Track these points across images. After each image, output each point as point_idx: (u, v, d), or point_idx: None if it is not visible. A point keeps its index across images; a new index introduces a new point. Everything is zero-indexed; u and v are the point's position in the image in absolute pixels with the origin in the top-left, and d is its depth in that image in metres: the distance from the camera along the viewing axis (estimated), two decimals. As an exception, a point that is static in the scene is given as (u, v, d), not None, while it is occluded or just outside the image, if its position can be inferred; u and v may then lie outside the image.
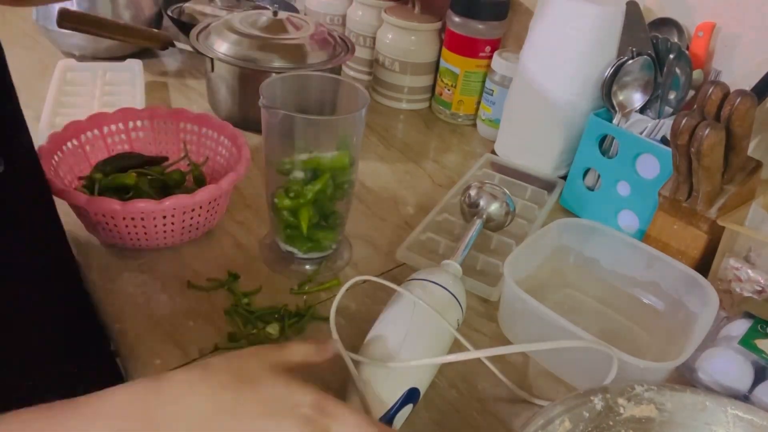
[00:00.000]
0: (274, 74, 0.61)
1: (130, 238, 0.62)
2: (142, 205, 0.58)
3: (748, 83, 0.68)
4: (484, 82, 0.95)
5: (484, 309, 0.63)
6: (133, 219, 0.60)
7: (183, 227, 0.63)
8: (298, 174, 0.59)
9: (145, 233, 0.62)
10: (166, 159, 0.73)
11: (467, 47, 0.93)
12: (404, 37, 0.98)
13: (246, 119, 0.77)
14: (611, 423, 0.48)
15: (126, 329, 0.56)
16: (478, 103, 0.97)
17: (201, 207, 0.63)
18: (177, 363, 0.53)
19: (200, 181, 0.71)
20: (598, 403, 0.47)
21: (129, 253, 0.64)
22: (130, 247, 0.64)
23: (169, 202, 0.59)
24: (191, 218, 0.63)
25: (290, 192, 0.60)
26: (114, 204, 0.58)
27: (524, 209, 0.78)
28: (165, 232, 0.62)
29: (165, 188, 0.68)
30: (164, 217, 0.61)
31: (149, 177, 0.68)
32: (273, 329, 0.57)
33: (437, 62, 1.00)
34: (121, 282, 0.61)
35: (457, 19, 0.92)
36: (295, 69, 0.84)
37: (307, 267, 0.65)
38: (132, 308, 0.58)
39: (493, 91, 0.93)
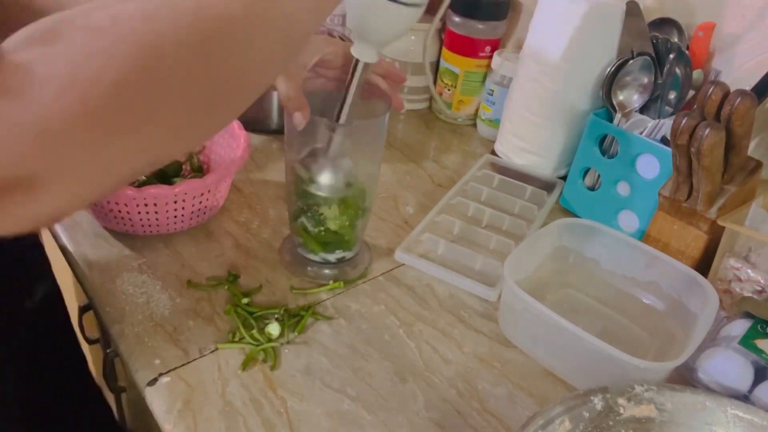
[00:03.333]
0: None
1: (141, 225, 0.63)
2: (156, 190, 0.60)
3: (748, 83, 0.68)
4: (484, 82, 0.95)
5: (484, 309, 0.64)
6: (146, 205, 0.61)
7: (192, 212, 0.65)
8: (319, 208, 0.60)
9: (157, 219, 0.63)
10: None
11: (467, 47, 0.93)
12: (404, 37, 0.98)
13: (246, 120, 0.76)
14: (611, 423, 0.48)
15: (126, 329, 0.56)
16: (478, 103, 0.97)
17: (209, 191, 0.64)
18: (177, 363, 0.53)
19: (198, 169, 0.72)
20: (598, 403, 0.47)
21: (129, 253, 0.64)
22: (140, 235, 0.65)
23: (181, 186, 0.61)
24: (200, 202, 0.65)
25: (311, 221, 0.61)
26: (128, 190, 0.59)
27: (524, 209, 0.78)
28: (176, 217, 0.64)
29: (163, 177, 0.69)
30: (175, 201, 0.62)
31: None
32: (273, 329, 0.57)
33: (437, 62, 1.00)
34: (121, 282, 0.61)
35: (457, 19, 0.92)
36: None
37: (327, 271, 0.65)
38: (132, 308, 0.58)
39: (493, 91, 0.93)
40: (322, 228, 0.61)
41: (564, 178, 0.83)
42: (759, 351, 0.53)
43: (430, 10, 0.99)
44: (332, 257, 0.64)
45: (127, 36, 0.28)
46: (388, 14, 0.47)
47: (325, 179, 0.59)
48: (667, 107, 0.75)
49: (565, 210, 0.81)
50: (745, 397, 0.52)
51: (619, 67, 0.74)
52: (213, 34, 0.30)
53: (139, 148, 0.30)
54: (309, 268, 0.65)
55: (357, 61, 0.52)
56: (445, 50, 0.96)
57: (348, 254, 0.65)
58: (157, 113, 0.30)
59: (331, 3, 0.38)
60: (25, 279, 0.63)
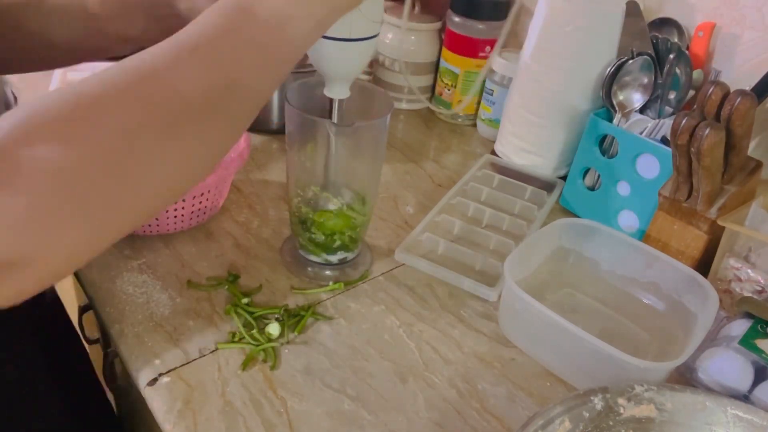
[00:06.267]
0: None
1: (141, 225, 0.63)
2: None
3: (748, 83, 0.68)
4: (484, 82, 0.95)
5: (484, 309, 0.64)
6: None
7: (192, 212, 0.65)
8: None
9: (157, 219, 0.63)
10: None
11: (467, 47, 0.93)
12: (404, 37, 0.98)
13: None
14: (611, 423, 0.48)
15: (126, 329, 0.56)
16: (478, 103, 0.97)
17: (210, 191, 0.64)
18: (177, 363, 0.53)
19: None
20: (598, 403, 0.47)
21: (129, 253, 0.64)
22: (140, 235, 0.65)
23: None
24: (200, 202, 0.65)
25: (313, 228, 0.62)
26: None
27: (524, 209, 0.78)
28: (176, 217, 0.64)
29: None
30: (176, 201, 0.62)
31: None
32: (273, 329, 0.57)
33: (437, 62, 1.00)
34: (121, 282, 0.61)
35: (457, 19, 0.92)
36: (295, 69, 0.84)
37: (328, 272, 0.65)
38: (132, 308, 0.58)
39: (493, 91, 0.93)
40: (323, 233, 0.61)
41: (564, 178, 0.83)
42: (759, 351, 0.53)
43: (433, 11, 1.00)
44: (334, 258, 0.64)
45: (104, 123, 0.30)
46: (344, 53, 0.49)
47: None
48: (667, 107, 0.75)
49: (565, 210, 0.81)
50: (745, 397, 0.52)
51: (619, 67, 0.74)
52: (177, 119, 0.33)
53: (118, 219, 0.33)
54: (309, 269, 0.65)
55: (332, 99, 0.54)
56: (445, 50, 0.96)
57: (350, 255, 0.65)
58: (135, 186, 0.32)
59: (286, 68, 0.40)
60: None
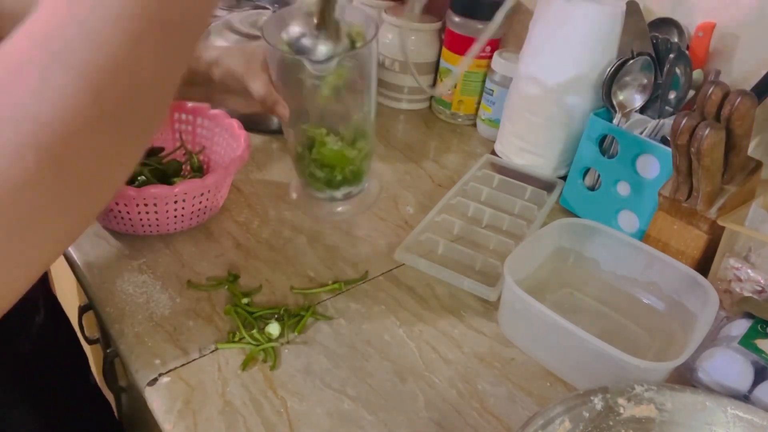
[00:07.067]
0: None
1: (141, 224, 0.63)
2: (156, 190, 0.60)
3: (748, 83, 0.68)
4: (484, 82, 0.95)
5: (484, 309, 0.64)
6: (146, 205, 0.61)
7: (192, 212, 0.65)
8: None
9: (157, 219, 0.63)
10: (162, 149, 0.73)
11: (467, 47, 0.93)
12: (404, 37, 0.97)
13: (246, 120, 0.77)
14: (611, 423, 0.48)
15: (126, 329, 0.56)
16: (478, 103, 0.97)
17: (210, 191, 0.64)
18: (177, 363, 0.53)
19: (198, 169, 0.72)
20: (598, 403, 0.47)
21: (129, 253, 0.64)
22: (140, 235, 0.65)
23: (181, 186, 0.61)
24: (200, 202, 0.65)
25: (312, 166, 0.60)
26: (129, 190, 0.59)
27: (524, 209, 0.78)
28: (176, 217, 0.64)
29: (164, 177, 0.69)
30: (176, 201, 0.62)
31: (148, 167, 0.69)
32: (273, 329, 0.57)
33: (437, 62, 1.00)
34: (121, 282, 0.61)
35: (457, 19, 0.92)
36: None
37: (340, 209, 0.63)
38: (132, 308, 0.58)
39: (493, 91, 0.93)
40: (323, 171, 0.60)
41: (564, 178, 0.83)
42: (759, 351, 0.53)
43: (433, 11, 1.00)
44: (339, 194, 0.62)
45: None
46: None
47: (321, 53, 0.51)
48: (667, 107, 0.75)
49: (565, 210, 0.81)
50: (745, 397, 0.52)
51: (619, 67, 0.74)
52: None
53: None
54: (323, 209, 0.62)
55: None
56: (445, 50, 0.96)
57: (354, 189, 0.63)
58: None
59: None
60: (33, 298, 0.64)
